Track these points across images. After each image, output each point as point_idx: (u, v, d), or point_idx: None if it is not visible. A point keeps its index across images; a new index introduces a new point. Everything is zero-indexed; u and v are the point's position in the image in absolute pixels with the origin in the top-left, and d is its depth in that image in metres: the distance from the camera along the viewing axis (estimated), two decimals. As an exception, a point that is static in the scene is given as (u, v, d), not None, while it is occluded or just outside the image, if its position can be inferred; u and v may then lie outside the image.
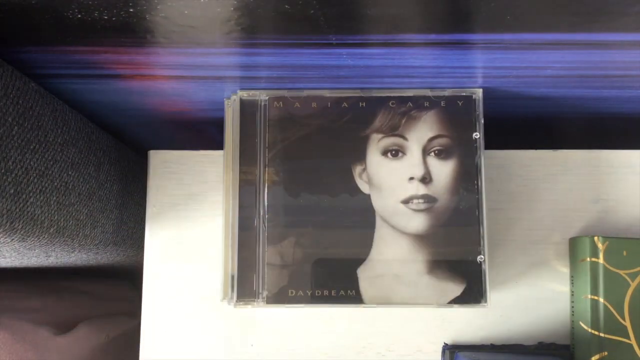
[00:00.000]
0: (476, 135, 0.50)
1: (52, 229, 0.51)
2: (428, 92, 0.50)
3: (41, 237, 0.50)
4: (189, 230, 0.57)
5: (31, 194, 0.47)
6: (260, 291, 0.49)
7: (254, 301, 0.49)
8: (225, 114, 0.52)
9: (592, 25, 0.40)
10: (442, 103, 0.50)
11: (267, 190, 0.50)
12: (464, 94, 0.50)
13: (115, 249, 0.65)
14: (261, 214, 0.49)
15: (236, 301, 0.49)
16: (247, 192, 0.50)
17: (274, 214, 0.49)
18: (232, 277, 0.49)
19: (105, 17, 0.39)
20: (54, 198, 0.51)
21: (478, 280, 0.49)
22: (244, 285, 0.49)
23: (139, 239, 0.70)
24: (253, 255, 0.49)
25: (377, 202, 0.50)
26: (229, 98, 0.52)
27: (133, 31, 0.41)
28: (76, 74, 0.49)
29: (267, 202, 0.49)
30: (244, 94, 0.51)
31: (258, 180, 0.50)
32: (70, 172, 0.54)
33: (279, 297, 0.49)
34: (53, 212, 0.51)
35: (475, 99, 0.50)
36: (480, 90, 0.50)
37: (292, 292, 0.49)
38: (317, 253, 0.49)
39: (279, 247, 0.49)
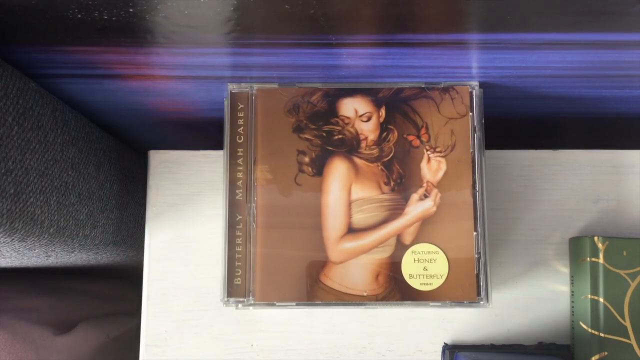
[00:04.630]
0: (476, 135, 0.50)
1: (52, 229, 0.51)
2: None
3: (41, 237, 0.50)
4: (189, 230, 0.57)
5: (31, 194, 0.47)
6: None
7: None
8: (225, 114, 0.52)
9: (592, 25, 0.40)
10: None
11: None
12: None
13: (115, 249, 0.65)
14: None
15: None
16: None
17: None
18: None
19: (105, 17, 0.39)
20: (54, 198, 0.51)
21: (479, 280, 0.48)
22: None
23: (139, 239, 0.70)
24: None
25: (377, 202, 0.50)
26: (228, 98, 0.52)
27: (133, 31, 0.41)
28: (76, 74, 0.49)
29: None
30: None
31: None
32: (70, 172, 0.54)
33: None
34: (53, 212, 0.51)
35: (475, 99, 0.50)
36: (481, 90, 0.50)
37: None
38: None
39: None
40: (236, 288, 0.49)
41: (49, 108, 0.51)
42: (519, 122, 0.62)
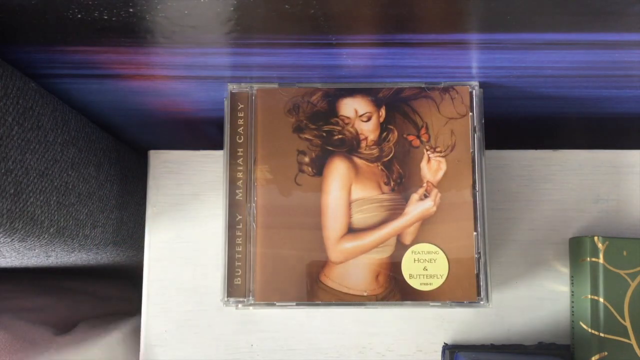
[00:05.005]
0: (476, 135, 0.50)
1: (52, 229, 0.51)
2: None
3: (41, 237, 0.50)
4: (189, 230, 0.57)
5: (31, 194, 0.47)
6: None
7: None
8: (225, 114, 0.52)
9: (592, 25, 0.40)
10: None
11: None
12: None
13: (115, 249, 0.65)
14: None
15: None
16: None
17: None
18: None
19: (105, 17, 0.39)
20: (54, 198, 0.51)
21: (479, 280, 0.48)
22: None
23: (139, 239, 0.70)
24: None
25: (377, 202, 0.50)
26: (228, 98, 0.52)
27: (133, 31, 0.41)
28: (76, 74, 0.49)
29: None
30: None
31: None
32: (70, 172, 0.54)
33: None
34: (53, 212, 0.51)
35: (475, 99, 0.50)
36: (481, 90, 0.50)
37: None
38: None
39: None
40: (236, 288, 0.49)
41: (49, 108, 0.51)
42: (519, 122, 0.62)
